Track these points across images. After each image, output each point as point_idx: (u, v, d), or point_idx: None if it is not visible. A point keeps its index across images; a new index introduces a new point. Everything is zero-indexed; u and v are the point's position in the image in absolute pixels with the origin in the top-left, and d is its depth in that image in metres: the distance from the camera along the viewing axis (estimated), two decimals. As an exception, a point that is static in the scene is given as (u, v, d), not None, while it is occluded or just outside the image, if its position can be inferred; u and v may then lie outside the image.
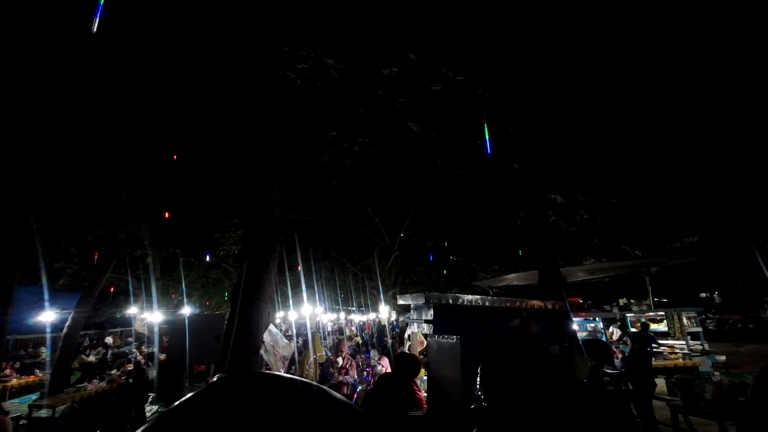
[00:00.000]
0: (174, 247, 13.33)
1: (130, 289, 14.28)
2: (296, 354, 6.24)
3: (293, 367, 6.30)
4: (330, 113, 7.39)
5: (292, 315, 17.45)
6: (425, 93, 6.85)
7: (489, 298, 4.10)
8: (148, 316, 13.73)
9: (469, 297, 3.91)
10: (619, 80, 5.71)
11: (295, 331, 15.30)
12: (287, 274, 14.47)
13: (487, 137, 7.01)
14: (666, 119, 6.03)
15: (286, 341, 5.66)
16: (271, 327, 5.13)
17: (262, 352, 4.26)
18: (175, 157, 8.75)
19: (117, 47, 6.20)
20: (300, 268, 15.84)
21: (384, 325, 14.69)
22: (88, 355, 12.09)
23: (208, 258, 14.35)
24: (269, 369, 4.94)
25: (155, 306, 13.51)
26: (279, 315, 21.48)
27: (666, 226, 9.31)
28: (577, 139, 6.47)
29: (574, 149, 6.70)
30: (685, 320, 8.87)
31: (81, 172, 8.97)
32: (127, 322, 17.00)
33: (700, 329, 8.98)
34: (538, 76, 6.10)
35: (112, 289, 16.03)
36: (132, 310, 14.85)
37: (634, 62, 5.49)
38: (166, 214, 10.29)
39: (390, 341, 9.62)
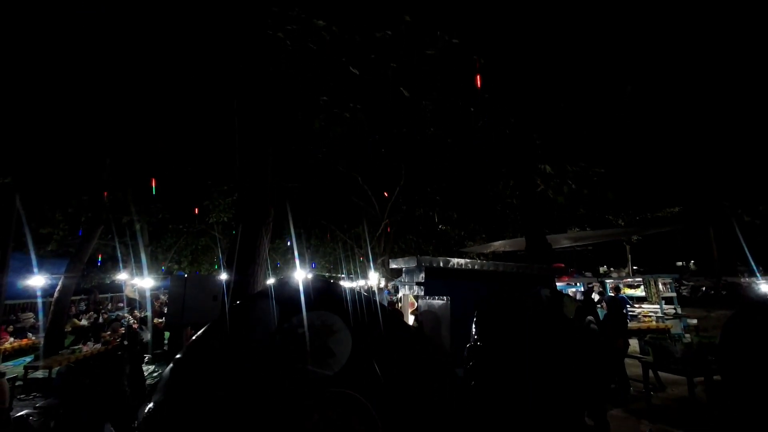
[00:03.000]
0: (162, 213, 13.18)
1: (119, 255, 14.22)
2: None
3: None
4: (321, 78, 7.19)
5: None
6: (419, 58, 6.70)
7: (478, 261, 4.25)
8: (139, 281, 13.76)
9: (459, 260, 4.05)
10: (612, 52, 5.67)
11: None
12: (277, 241, 14.53)
13: (480, 104, 6.97)
14: (654, 92, 6.07)
15: None
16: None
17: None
18: (161, 120, 8.49)
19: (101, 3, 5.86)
20: (291, 235, 15.91)
21: (373, 291, 15.04)
22: (80, 320, 12.17)
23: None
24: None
25: (145, 272, 13.52)
26: (270, 282, 21.76)
27: (649, 197, 9.57)
28: (568, 109, 6.48)
29: (564, 119, 6.72)
30: (660, 286, 9.34)
31: (63, 137, 8.66)
32: (117, 287, 17.02)
33: (674, 294, 9.49)
34: (534, 44, 6.00)
35: (99, 256, 15.93)
36: (122, 276, 14.85)
37: (626, 35, 5.43)
38: (153, 181, 10.10)
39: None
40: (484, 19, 5.92)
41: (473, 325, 1.15)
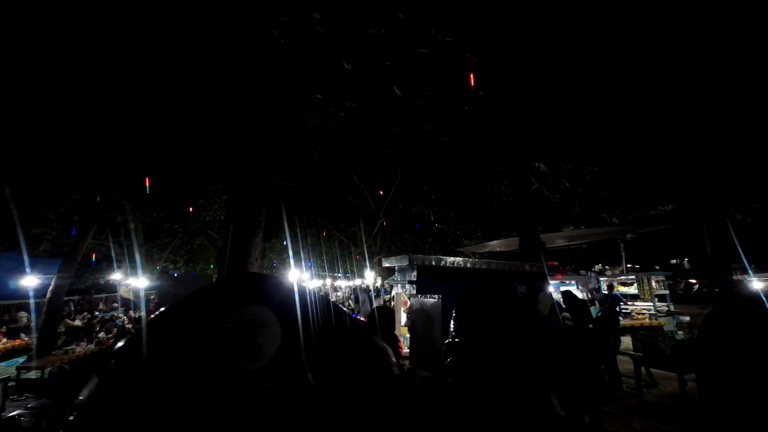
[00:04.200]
0: (156, 212, 13.10)
1: (113, 255, 14.14)
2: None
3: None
4: (315, 75, 7.17)
5: (279, 281, 17.68)
6: (413, 55, 6.69)
7: (470, 260, 4.26)
8: (133, 281, 13.69)
9: (451, 259, 4.06)
10: (606, 51, 5.68)
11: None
12: (273, 240, 14.50)
13: (474, 102, 6.97)
14: (648, 91, 6.10)
15: None
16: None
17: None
18: (156, 119, 8.43)
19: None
20: (286, 234, 15.88)
21: (370, 290, 15.04)
22: (73, 320, 12.09)
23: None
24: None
25: (140, 272, 13.45)
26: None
27: (642, 195, 9.63)
28: (562, 108, 6.50)
29: (559, 118, 6.74)
30: (653, 283, 9.40)
31: (56, 136, 8.59)
32: (111, 288, 16.93)
33: (667, 292, 9.55)
34: (528, 43, 6.01)
35: (93, 255, 15.83)
36: (116, 276, 14.77)
37: (619, 35, 5.45)
38: (147, 180, 10.04)
39: (375, 304, 9.93)
40: (477, 17, 5.92)
41: (451, 322, 1.15)
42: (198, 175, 11.98)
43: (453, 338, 1.12)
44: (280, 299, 1.24)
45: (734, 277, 8.64)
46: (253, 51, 5.86)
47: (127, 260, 14.17)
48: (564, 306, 5.46)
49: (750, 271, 10.16)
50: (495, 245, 11.49)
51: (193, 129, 8.98)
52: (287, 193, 13.34)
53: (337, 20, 5.99)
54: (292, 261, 13.55)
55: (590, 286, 9.82)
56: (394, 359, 1.23)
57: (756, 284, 7.49)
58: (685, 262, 24.44)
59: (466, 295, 1.19)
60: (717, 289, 13.28)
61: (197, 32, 6.09)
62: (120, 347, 1.32)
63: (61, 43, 6.45)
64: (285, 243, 17.58)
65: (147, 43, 6.54)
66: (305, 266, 19.71)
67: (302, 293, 1.27)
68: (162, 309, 1.46)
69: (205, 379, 1.05)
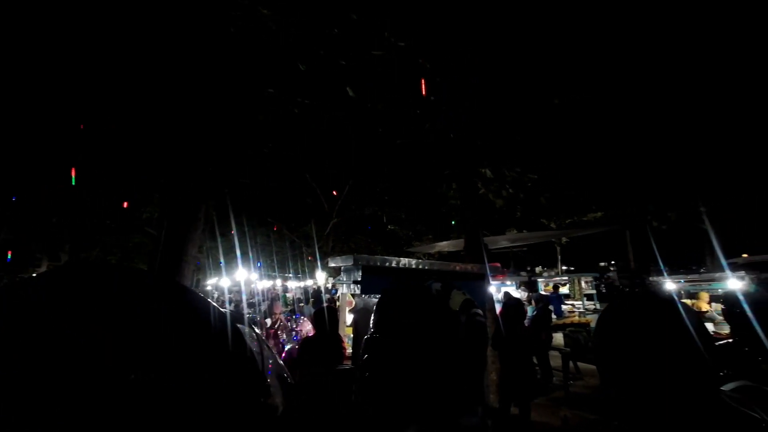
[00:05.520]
0: (85, 206, 11.96)
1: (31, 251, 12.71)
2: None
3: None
4: (268, 70, 6.97)
5: (225, 282, 16.89)
6: (368, 57, 6.73)
7: (415, 260, 4.37)
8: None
9: (396, 259, 4.13)
10: (546, 65, 6.12)
11: (228, 297, 14.87)
12: (219, 239, 13.84)
13: (424, 107, 7.15)
14: (580, 107, 6.66)
15: None
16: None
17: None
18: (86, 106, 7.68)
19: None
20: (234, 232, 15.20)
21: (321, 291, 14.86)
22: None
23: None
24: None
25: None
26: (210, 281, 20.68)
27: (576, 202, 10.46)
28: (506, 117, 6.88)
29: (503, 126, 7.13)
30: (583, 284, 10.26)
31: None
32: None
33: (594, 291, 10.46)
34: (477, 52, 6.29)
35: (9, 253, 14.15)
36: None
37: (561, 50, 5.90)
38: (73, 170, 9.14)
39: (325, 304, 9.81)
40: (430, 23, 6.09)
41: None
42: (135, 168, 11.09)
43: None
44: (116, 296, 1.09)
45: (651, 278, 9.64)
46: (198, 37, 5.58)
47: (46, 259, 12.79)
48: (503, 303, 5.76)
49: (664, 273, 11.40)
50: (444, 246, 11.87)
51: (130, 117, 8.31)
52: (236, 190, 12.77)
53: (288, 17, 5.87)
54: (239, 260, 13.00)
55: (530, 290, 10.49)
56: (269, 364, 1.13)
57: (668, 285, 8.41)
58: (611, 264, 26.96)
59: (387, 291, 1.23)
60: (636, 290, 14.80)
61: (134, 12, 5.66)
62: None
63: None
64: (232, 242, 16.84)
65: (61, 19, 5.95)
66: (254, 266, 19.02)
67: (174, 292, 1.16)
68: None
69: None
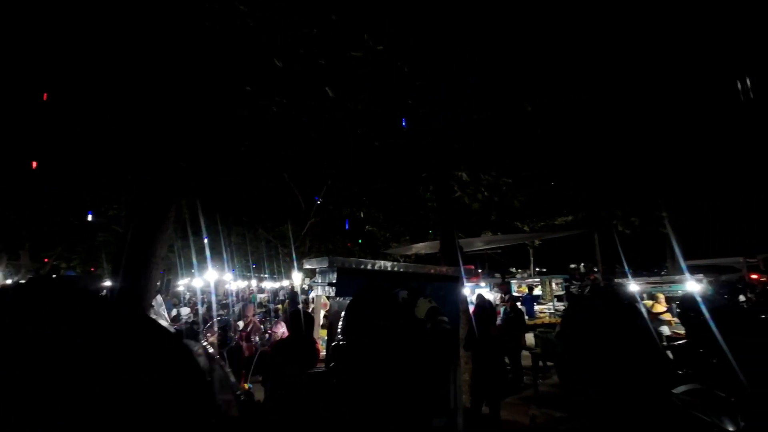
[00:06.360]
0: (45, 203, 11.34)
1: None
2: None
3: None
4: (246, 66, 6.84)
5: (198, 282, 16.43)
6: (347, 58, 6.72)
7: (391, 263, 4.39)
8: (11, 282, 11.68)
9: (371, 261, 4.14)
10: (519, 72, 6.30)
11: (200, 298, 14.48)
12: (191, 238, 13.44)
13: (403, 110, 7.21)
14: (551, 113, 6.90)
15: (166, 316, 5.28)
16: (158, 298, 4.77)
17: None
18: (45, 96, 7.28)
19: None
20: (207, 232, 14.77)
21: (296, 292, 14.70)
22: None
23: (90, 217, 12.53)
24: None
25: (22, 271, 11.54)
26: (182, 282, 20.05)
27: (548, 206, 10.81)
28: (482, 122, 7.03)
29: (479, 130, 7.27)
30: (554, 285, 10.59)
31: None
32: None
33: (563, 292, 10.83)
34: (453, 59, 6.39)
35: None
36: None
37: (532, 58, 6.08)
38: (34, 163, 8.65)
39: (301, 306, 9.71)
40: (408, 28, 6.14)
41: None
42: (100, 163, 10.61)
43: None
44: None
45: (616, 280, 10.07)
46: (170, 32, 5.41)
47: (5, 257, 12.06)
48: (475, 305, 5.86)
49: (629, 275, 11.92)
50: (420, 248, 11.98)
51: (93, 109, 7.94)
52: (211, 187, 12.44)
53: (267, 14, 5.79)
54: (209, 261, 12.66)
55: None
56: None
57: (632, 286, 8.80)
58: (581, 265, 27.99)
59: (356, 297, 1.23)
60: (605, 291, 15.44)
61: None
62: None
63: None
64: (205, 242, 16.38)
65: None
66: (228, 267, 18.57)
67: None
68: None
69: None
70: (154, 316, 4.49)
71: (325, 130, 9.57)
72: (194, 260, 17.44)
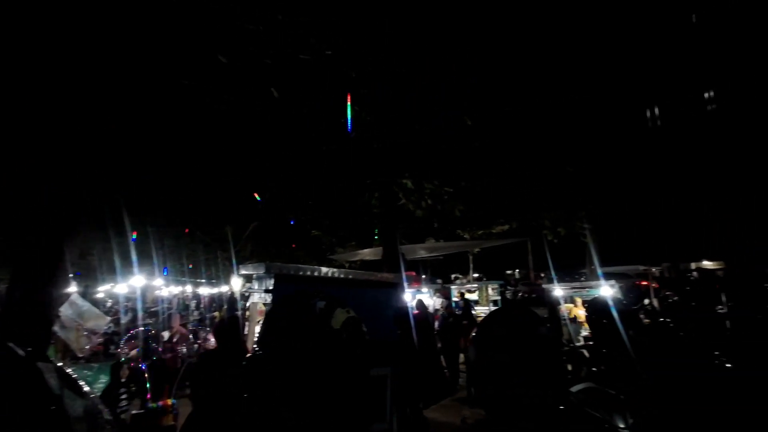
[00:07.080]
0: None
1: None
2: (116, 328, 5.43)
3: (113, 344, 5.47)
4: (185, 59, 6.46)
5: (122, 288, 14.97)
6: (295, 61, 6.63)
7: (332, 269, 4.36)
8: None
9: (311, 268, 4.09)
10: (462, 87, 6.68)
11: (123, 306, 13.24)
12: (113, 240, 12.22)
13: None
14: (487, 126, 7.38)
15: (98, 312, 4.85)
16: (76, 297, 4.32)
17: (56, 328, 3.52)
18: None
19: None
20: (134, 234, 13.57)
21: (235, 299, 14.00)
22: None
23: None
24: (67, 347, 4.16)
25: None
26: (103, 288, 18.15)
27: (486, 215, 11.45)
28: (425, 132, 7.31)
29: (423, 140, 7.55)
30: (490, 290, 11.21)
31: None
32: None
33: (499, 298, 11.50)
34: (399, 68, 6.59)
35: None
36: None
37: (472, 72, 6.47)
38: None
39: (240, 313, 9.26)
40: (356, 34, 6.23)
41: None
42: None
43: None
44: None
45: (544, 286, 10.89)
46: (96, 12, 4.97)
47: None
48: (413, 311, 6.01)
49: (555, 281, 12.97)
50: (365, 254, 12.04)
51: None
52: (141, 187, 11.44)
53: (210, 4, 5.54)
54: (135, 265, 11.63)
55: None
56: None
57: (557, 291, 9.53)
58: (516, 272, 29.97)
59: (274, 306, 1.22)
60: (534, 295, 16.64)
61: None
62: None
63: None
64: (131, 244, 15.01)
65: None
66: (159, 271, 17.17)
67: None
68: None
69: None
70: (60, 330, 4.02)
71: (270, 131, 9.31)
72: (117, 264, 15.89)
